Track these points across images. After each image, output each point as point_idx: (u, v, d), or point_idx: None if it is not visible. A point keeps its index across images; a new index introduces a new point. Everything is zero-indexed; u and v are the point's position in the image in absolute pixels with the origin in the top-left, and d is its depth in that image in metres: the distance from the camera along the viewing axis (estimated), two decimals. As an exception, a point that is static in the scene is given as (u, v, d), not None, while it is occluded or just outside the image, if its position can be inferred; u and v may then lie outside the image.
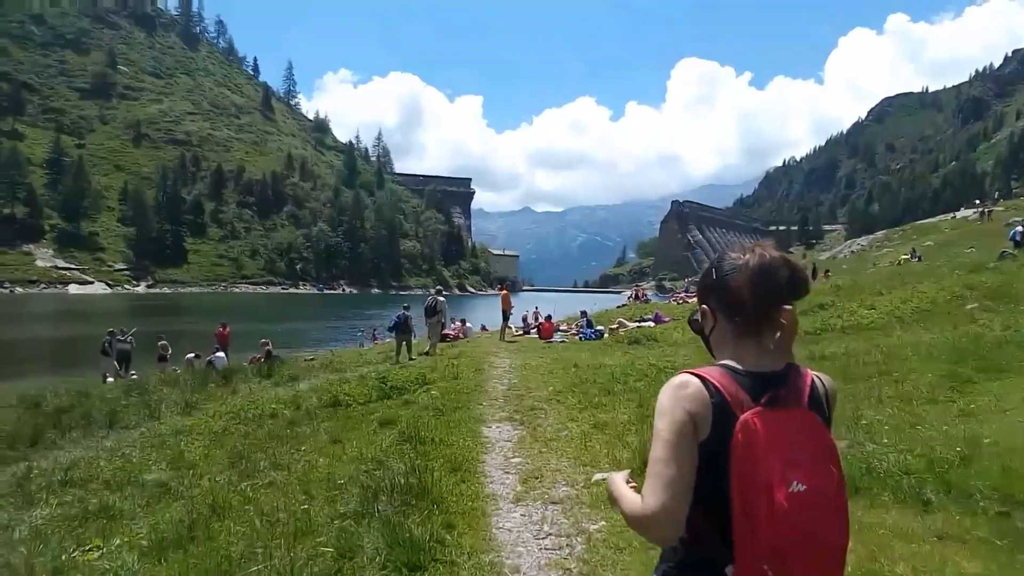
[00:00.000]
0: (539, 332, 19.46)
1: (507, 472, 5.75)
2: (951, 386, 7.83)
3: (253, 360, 18.61)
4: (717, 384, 1.38)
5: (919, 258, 44.81)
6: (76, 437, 9.74)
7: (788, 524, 1.27)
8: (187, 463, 7.44)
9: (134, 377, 18.98)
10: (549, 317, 20.40)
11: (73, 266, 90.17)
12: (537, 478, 5.49)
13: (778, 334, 1.43)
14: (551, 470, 5.68)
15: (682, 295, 34.34)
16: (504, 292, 19.72)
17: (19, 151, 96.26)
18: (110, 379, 18.42)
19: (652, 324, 19.73)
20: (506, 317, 19.42)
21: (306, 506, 5.00)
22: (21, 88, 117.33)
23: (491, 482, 5.49)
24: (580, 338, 17.95)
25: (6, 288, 77.61)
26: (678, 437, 1.35)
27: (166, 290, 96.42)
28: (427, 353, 16.17)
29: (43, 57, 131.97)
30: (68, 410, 11.32)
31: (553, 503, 4.89)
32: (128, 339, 19.76)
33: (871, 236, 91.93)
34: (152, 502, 6.34)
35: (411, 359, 15.70)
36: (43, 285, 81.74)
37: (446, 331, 21.61)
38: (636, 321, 20.60)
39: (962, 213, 78.94)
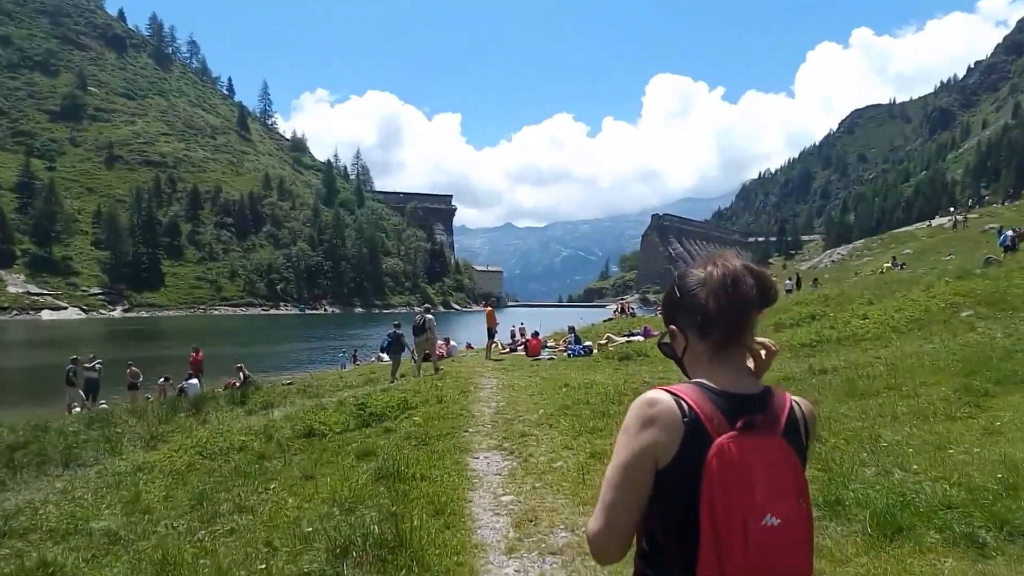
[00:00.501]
0: (526, 349, 18.87)
1: (497, 514, 5.13)
2: (967, 400, 7.35)
3: (228, 386, 17.79)
4: (691, 403, 1.31)
5: (901, 266, 44.91)
6: (27, 478, 8.94)
7: (759, 557, 1.22)
8: (143, 507, 6.73)
9: (104, 406, 18.10)
10: (536, 334, 19.82)
11: (46, 291, 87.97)
12: (532, 521, 4.88)
13: (757, 355, 1.43)
14: (547, 510, 5.07)
15: (668, 308, 34.21)
16: (489, 309, 19.09)
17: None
18: (77, 409, 17.49)
19: (641, 338, 19.21)
20: (491, 334, 18.80)
21: (264, 565, 4.33)
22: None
23: (479, 527, 4.87)
24: (568, 355, 17.37)
25: (-24, 315, 75.65)
26: (633, 460, 1.31)
27: (143, 314, 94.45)
28: (415, 375, 15.59)
29: (11, 80, 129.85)
30: (22, 447, 10.48)
31: (552, 553, 4.29)
32: (95, 366, 18.83)
33: (850, 245, 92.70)
34: (99, 555, 5.65)
35: (392, 381, 15.09)
36: (15, 312, 79.59)
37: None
38: (624, 335, 20.07)
39: (937, 221, 79.91)
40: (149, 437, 10.77)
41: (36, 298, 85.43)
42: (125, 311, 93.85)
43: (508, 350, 20.63)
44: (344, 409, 10.16)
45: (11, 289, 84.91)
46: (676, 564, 1.31)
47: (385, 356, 29.75)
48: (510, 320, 28.06)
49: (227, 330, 71.10)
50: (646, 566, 1.38)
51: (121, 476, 8.26)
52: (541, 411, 9.11)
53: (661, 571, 1.35)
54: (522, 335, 22.24)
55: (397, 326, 16.74)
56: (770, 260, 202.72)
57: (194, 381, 18.22)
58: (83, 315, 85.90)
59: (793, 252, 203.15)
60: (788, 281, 35.06)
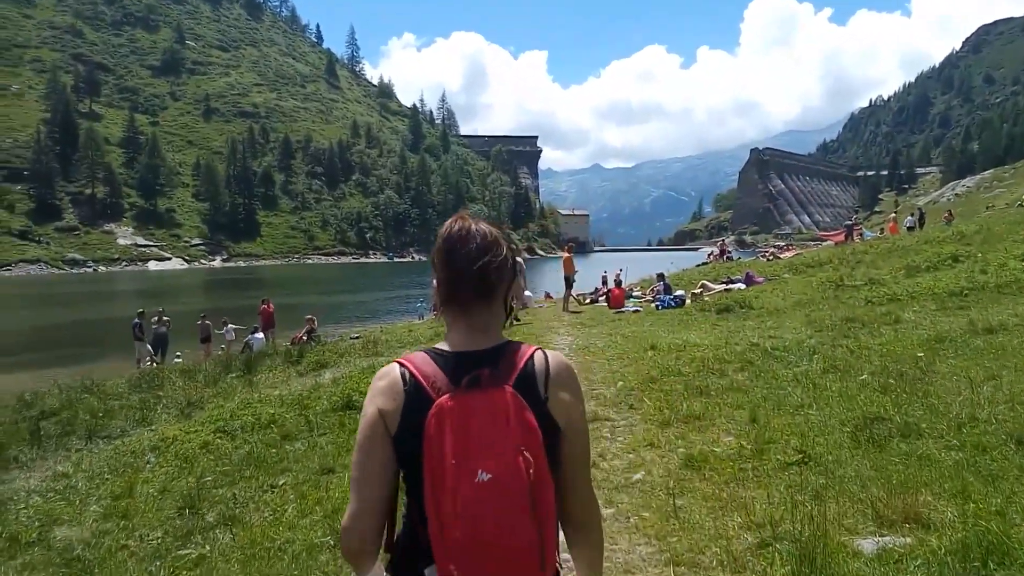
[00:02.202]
0: (608, 300, 16.97)
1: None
2: None
3: (294, 340, 16.96)
4: (413, 369, 1.29)
5: (1045, 198, 39.57)
6: (45, 452, 8.05)
7: (466, 515, 1.17)
8: (123, 509, 5.49)
9: (178, 360, 17.77)
10: (619, 282, 17.84)
11: (151, 243, 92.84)
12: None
13: (495, 309, 1.37)
14: (620, 570, 3.33)
15: (772, 250, 30.88)
16: (567, 255, 17.22)
17: (95, 131, 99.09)
18: (148, 364, 17.18)
19: (743, 286, 16.92)
20: (569, 284, 16.99)
21: None
22: (96, 69, 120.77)
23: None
24: (657, 306, 15.36)
25: (90, 267, 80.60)
26: (367, 437, 1.29)
27: (241, 263, 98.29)
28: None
29: (115, 37, 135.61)
30: (56, 413, 9.74)
31: None
32: (164, 320, 18.44)
33: (976, 177, 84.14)
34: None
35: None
36: (124, 263, 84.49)
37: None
38: (722, 283, 17.79)
39: None
40: (186, 404, 9.77)
41: (143, 250, 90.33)
42: (224, 261, 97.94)
43: (589, 301, 18.80)
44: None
45: (120, 241, 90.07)
46: (421, 540, 1.26)
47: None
48: (596, 267, 25.98)
49: (318, 279, 72.60)
50: (399, 544, 1.34)
51: (132, 456, 7.18)
52: (620, 383, 7.31)
53: (411, 547, 1.30)
54: (604, 284, 20.33)
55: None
56: (880, 196, 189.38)
57: (259, 335, 17.50)
58: (186, 265, 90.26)
59: (906, 187, 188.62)
60: (909, 218, 31.12)
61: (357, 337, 18.16)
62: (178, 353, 18.88)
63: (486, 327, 1.35)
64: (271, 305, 19.53)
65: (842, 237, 33.89)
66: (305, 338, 16.75)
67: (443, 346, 1.35)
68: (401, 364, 1.32)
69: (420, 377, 1.28)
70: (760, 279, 17.84)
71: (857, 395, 5.68)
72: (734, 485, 4.03)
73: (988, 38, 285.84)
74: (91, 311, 36.76)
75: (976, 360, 6.87)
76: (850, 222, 36.64)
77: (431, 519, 1.20)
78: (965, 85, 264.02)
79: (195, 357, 17.51)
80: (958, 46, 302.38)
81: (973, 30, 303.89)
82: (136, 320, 17.73)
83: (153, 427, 8.78)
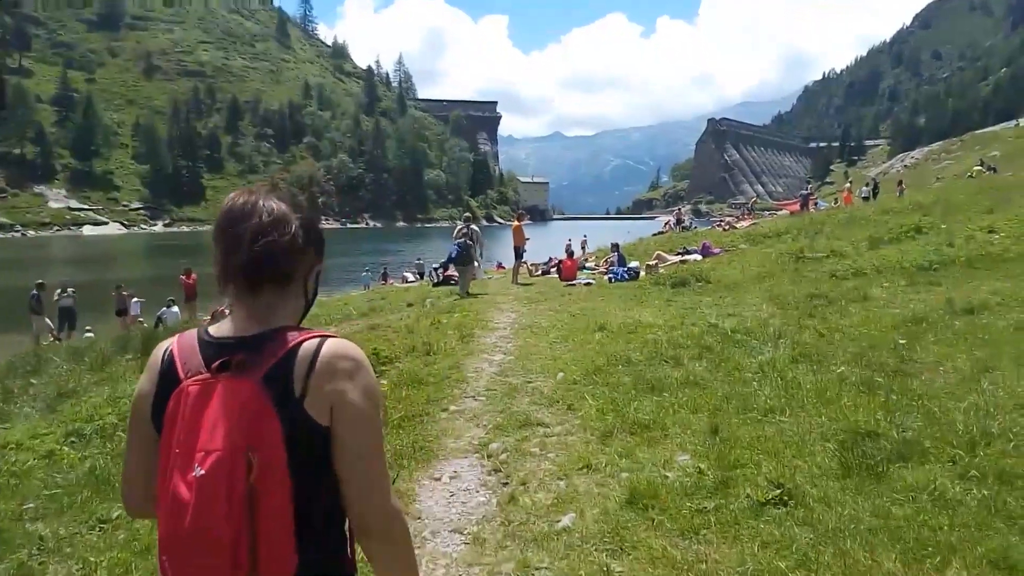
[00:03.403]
0: (559, 271, 15.92)
1: None
2: None
3: (214, 313, 15.47)
4: (174, 349, 1.24)
5: (994, 169, 39.97)
6: None
7: (177, 509, 1.10)
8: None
9: (90, 335, 16.14)
10: (571, 253, 16.78)
11: (87, 207, 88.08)
12: None
13: (285, 296, 1.26)
14: None
15: (728, 220, 30.29)
16: (516, 224, 16.05)
17: (25, 88, 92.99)
18: (47, 342, 15.51)
19: (699, 257, 16.04)
20: (519, 254, 15.86)
21: None
22: (26, 22, 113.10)
23: None
24: (609, 279, 14.35)
25: (18, 231, 76.03)
26: (132, 409, 1.28)
27: (184, 228, 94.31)
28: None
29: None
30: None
31: None
32: (69, 292, 16.69)
33: (925, 148, 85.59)
34: None
35: (464, 295, 13.55)
36: (56, 228, 79.99)
37: (449, 272, 18.24)
38: (678, 254, 16.90)
39: None
40: (56, 395, 8.37)
41: (77, 213, 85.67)
42: (166, 226, 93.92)
43: (540, 272, 17.74)
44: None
45: (52, 204, 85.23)
46: None
47: (410, 276, 27.42)
48: (556, 235, 24.83)
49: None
50: None
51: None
52: (560, 375, 6.25)
53: None
54: (569, 254, 19.10)
55: (467, 235, 13.98)
56: (831, 167, 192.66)
57: (174, 309, 15.96)
58: (124, 230, 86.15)
59: (856, 158, 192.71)
60: (864, 188, 30.71)
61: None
62: (88, 328, 17.22)
63: (268, 314, 1.23)
64: (193, 276, 17.85)
65: (797, 207, 33.46)
66: (228, 312, 15.29)
67: (216, 329, 1.25)
68: (170, 343, 1.27)
69: (177, 358, 1.23)
70: (717, 250, 17.00)
71: (837, 396, 4.73)
72: (692, 538, 2.98)
73: (938, 13, 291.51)
74: (6, 279, 34.22)
75: (960, 346, 6.03)
76: (805, 192, 36.30)
77: (159, 505, 1.16)
78: (914, 60, 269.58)
79: (111, 331, 15.94)
80: (908, 21, 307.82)
81: (923, 6, 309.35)
82: (34, 292, 15.93)
83: (7, 426, 7.40)
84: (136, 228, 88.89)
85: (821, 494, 3.24)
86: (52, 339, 15.99)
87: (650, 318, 8.78)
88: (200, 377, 1.17)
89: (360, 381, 1.21)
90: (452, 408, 5.62)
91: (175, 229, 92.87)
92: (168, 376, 1.21)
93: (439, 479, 4.15)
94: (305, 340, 1.20)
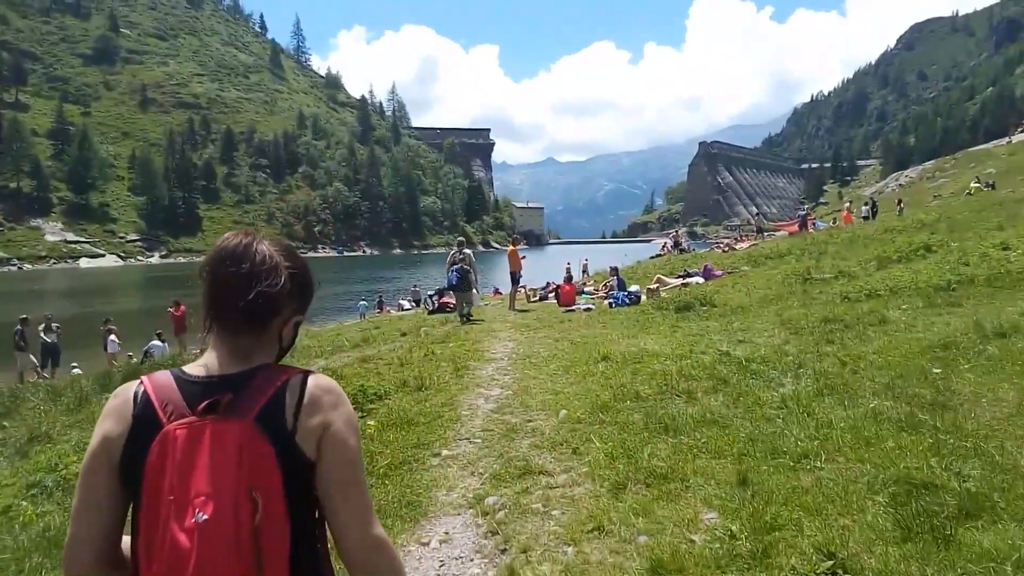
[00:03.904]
0: (557, 297, 15.43)
1: None
2: None
3: (203, 349, 14.91)
4: (149, 389, 1.19)
5: (992, 185, 39.87)
6: None
7: (179, 559, 1.06)
8: None
9: (76, 371, 15.62)
10: (569, 278, 16.30)
11: (83, 239, 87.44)
12: None
13: (264, 340, 1.25)
14: None
15: (726, 241, 29.87)
16: (511, 248, 15.57)
17: (21, 122, 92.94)
18: (31, 379, 14.93)
19: (701, 279, 15.59)
20: (515, 279, 15.38)
21: None
22: (22, 57, 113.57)
23: None
24: (610, 304, 13.86)
25: (15, 265, 75.37)
26: (88, 458, 1.19)
27: (181, 259, 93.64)
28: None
29: (44, 24, 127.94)
30: None
31: None
32: (52, 327, 16.13)
33: (919, 167, 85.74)
34: None
35: (464, 321, 13.33)
36: (53, 260, 79.33)
37: (445, 300, 17.75)
38: (679, 276, 16.44)
39: (1018, 137, 73.85)
40: (28, 438, 7.81)
41: (74, 246, 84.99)
42: (163, 257, 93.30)
43: (538, 298, 17.25)
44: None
45: (49, 237, 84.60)
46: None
47: (406, 304, 26.91)
48: (552, 260, 24.43)
49: (263, 274, 69.45)
50: None
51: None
52: (563, 412, 5.72)
53: None
54: (583, 273, 18.72)
55: (462, 260, 13.68)
56: (825, 187, 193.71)
57: (161, 343, 15.39)
58: (121, 262, 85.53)
59: (849, 178, 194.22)
60: (864, 207, 30.39)
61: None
62: (74, 364, 16.69)
63: (248, 355, 1.23)
64: (182, 308, 17.31)
65: (796, 228, 33.18)
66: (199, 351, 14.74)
67: (194, 368, 1.23)
68: (141, 383, 1.21)
69: (154, 399, 1.17)
70: (719, 272, 16.56)
71: (877, 436, 4.20)
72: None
73: (920, 36, 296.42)
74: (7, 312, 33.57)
75: (1000, 375, 5.54)
76: (803, 212, 36.03)
77: (142, 558, 1.12)
78: (900, 81, 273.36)
79: (100, 366, 15.39)
80: (892, 44, 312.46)
81: (906, 28, 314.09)
82: (18, 327, 15.37)
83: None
84: (133, 260, 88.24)
85: (881, 566, 2.71)
86: (36, 376, 15.43)
87: (656, 346, 8.28)
88: (186, 420, 1.13)
89: (342, 413, 1.22)
90: (444, 453, 5.08)
91: (172, 260, 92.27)
92: (144, 419, 1.16)
93: (427, 543, 3.61)
94: (291, 377, 1.21)
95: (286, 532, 1.13)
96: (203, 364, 1.23)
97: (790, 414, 4.99)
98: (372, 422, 6.00)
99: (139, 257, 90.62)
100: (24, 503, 5.35)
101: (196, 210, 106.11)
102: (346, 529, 1.19)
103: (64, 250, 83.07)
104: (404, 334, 13.32)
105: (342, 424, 1.21)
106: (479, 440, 5.32)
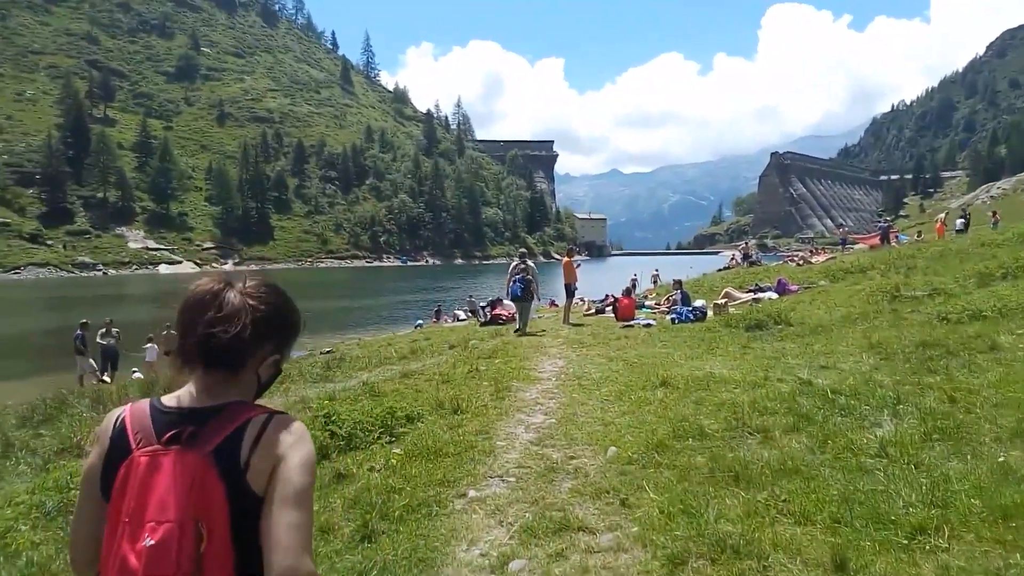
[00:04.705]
0: (615, 310, 14.54)
1: None
2: None
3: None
4: (126, 417, 1.28)
5: (1099, 197, 36.61)
6: None
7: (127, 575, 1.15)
8: None
9: (137, 375, 15.76)
10: (629, 291, 15.37)
11: (163, 247, 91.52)
12: None
13: (240, 378, 1.31)
14: None
15: (801, 254, 28.14)
16: (567, 259, 14.79)
17: (108, 136, 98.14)
18: (94, 382, 15.08)
19: (774, 295, 14.42)
20: (570, 292, 14.58)
21: None
22: (111, 75, 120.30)
23: None
24: (673, 320, 12.88)
25: (99, 270, 79.35)
26: (84, 472, 1.31)
27: (253, 267, 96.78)
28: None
29: (130, 44, 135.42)
30: None
31: None
32: (112, 332, 16.27)
33: (1013, 179, 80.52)
34: None
35: (522, 333, 12.93)
36: (135, 266, 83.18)
37: (498, 311, 17.11)
38: (750, 291, 15.30)
39: None
40: (57, 449, 7.53)
41: (154, 253, 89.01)
42: (236, 264, 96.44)
43: (594, 311, 16.39)
44: (306, 421, 6.39)
45: (132, 245, 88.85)
46: None
47: (461, 315, 26.42)
48: (614, 272, 23.49)
49: (330, 282, 70.91)
50: None
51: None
52: (612, 449, 4.91)
53: None
54: (634, 287, 17.78)
55: (524, 270, 13.45)
56: (905, 199, 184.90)
57: (152, 346, 15.31)
58: (197, 269, 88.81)
59: (931, 190, 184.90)
60: (960, 220, 28.11)
61: (328, 352, 15.97)
62: (134, 369, 16.83)
63: (222, 390, 1.29)
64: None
65: (877, 240, 31.12)
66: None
67: (169, 399, 1.31)
68: (123, 409, 1.31)
69: (128, 426, 1.26)
70: (794, 287, 15.32)
71: (1015, 503, 3.25)
72: None
73: (1013, 42, 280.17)
74: (79, 315, 34.81)
75: None
76: (885, 224, 33.82)
77: (101, 570, 1.20)
78: (990, 89, 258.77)
79: (163, 372, 15.45)
80: (982, 51, 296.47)
81: (998, 34, 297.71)
82: (78, 332, 15.54)
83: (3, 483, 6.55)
84: (208, 267, 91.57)
85: None
86: (96, 380, 15.56)
87: (724, 370, 7.36)
88: (150, 448, 1.21)
89: (298, 452, 1.24)
90: (471, 494, 4.35)
91: (244, 267, 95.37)
92: (119, 445, 1.24)
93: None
94: (254, 416, 1.26)
95: (229, 564, 1.17)
96: (177, 396, 1.29)
97: (893, 465, 4.05)
98: (398, 451, 5.35)
99: (214, 264, 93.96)
100: (24, 527, 4.92)
101: (268, 220, 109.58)
102: (274, 562, 1.18)
103: (145, 256, 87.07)
104: (452, 347, 12.74)
105: (293, 462, 1.23)
106: (512, 479, 4.58)
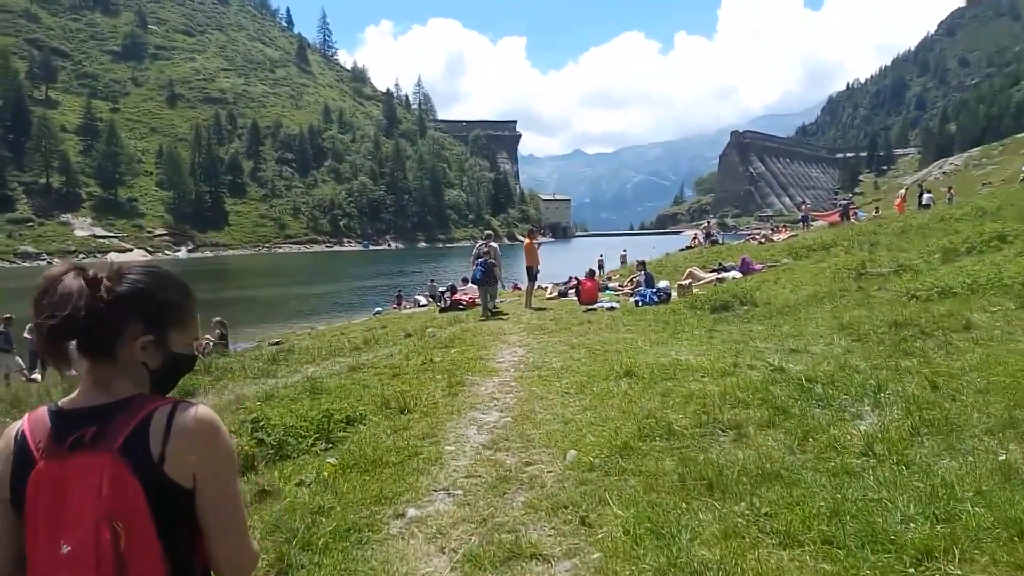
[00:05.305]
0: (578, 294, 14.07)
1: None
2: None
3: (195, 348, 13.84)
4: (25, 428, 1.24)
5: (1048, 171, 37.51)
6: None
7: None
8: None
9: (73, 374, 14.69)
10: (592, 273, 14.92)
11: (112, 234, 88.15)
12: None
13: (118, 366, 1.25)
14: None
15: (763, 233, 28.16)
16: (528, 241, 14.25)
17: (50, 119, 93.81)
18: (16, 382, 14.01)
19: (738, 275, 14.11)
20: (532, 275, 14.08)
21: None
22: (52, 54, 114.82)
23: None
24: (636, 302, 12.46)
25: (44, 259, 76.10)
26: None
27: (208, 254, 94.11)
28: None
29: (73, 21, 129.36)
30: None
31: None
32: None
33: (964, 155, 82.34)
34: None
35: (486, 317, 12.88)
36: (82, 255, 79.84)
37: (458, 297, 16.53)
38: (713, 270, 14.98)
39: None
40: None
41: (102, 241, 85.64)
42: (190, 251, 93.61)
43: (557, 294, 15.91)
44: (233, 426, 5.74)
45: (78, 232, 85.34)
46: None
47: (422, 300, 25.73)
48: (578, 252, 23.03)
49: (288, 269, 69.33)
50: None
51: None
52: (573, 453, 4.40)
53: None
54: (601, 269, 17.33)
55: (487, 253, 13.17)
56: (860, 177, 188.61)
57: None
58: (149, 257, 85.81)
59: (885, 167, 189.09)
60: (927, 195, 28.19)
61: (277, 343, 15.18)
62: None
63: (111, 384, 1.25)
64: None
65: (837, 217, 31.26)
66: (210, 346, 13.71)
67: (66, 401, 1.27)
68: (23, 421, 1.28)
69: (28, 437, 1.23)
70: (758, 266, 15.06)
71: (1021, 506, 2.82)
72: None
73: (963, 21, 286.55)
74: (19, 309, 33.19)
75: None
76: (846, 201, 34.04)
77: None
78: (940, 68, 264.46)
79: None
80: (933, 29, 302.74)
81: (947, 13, 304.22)
82: (1, 328, 14.42)
83: None
84: (160, 254, 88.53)
85: None
86: (24, 379, 14.51)
87: (691, 357, 6.92)
88: (54, 457, 1.18)
89: (217, 445, 1.24)
90: (411, 512, 3.80)
91: (199, 255, 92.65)
92: (22, 456, 1.21)
93: None
94: (157, 408, 1.23)
95: (157, 556, 1.16)
96: (72, 397, 1.26)
97: (881, 465, 3.63)
98: (332, 460, 4.75)
99: (167, 251, 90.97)
100: None
101: (222, 204, 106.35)
102: (219, 550, 1.24)
103: (93, 245, 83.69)
104: (408, 335, 12.13)
105: (218, 456, 1.24)
106: (460, 492, 4.04)
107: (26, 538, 1.18)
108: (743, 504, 3.33)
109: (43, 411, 1.26)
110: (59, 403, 1.26)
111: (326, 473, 4.49)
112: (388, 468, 4.52)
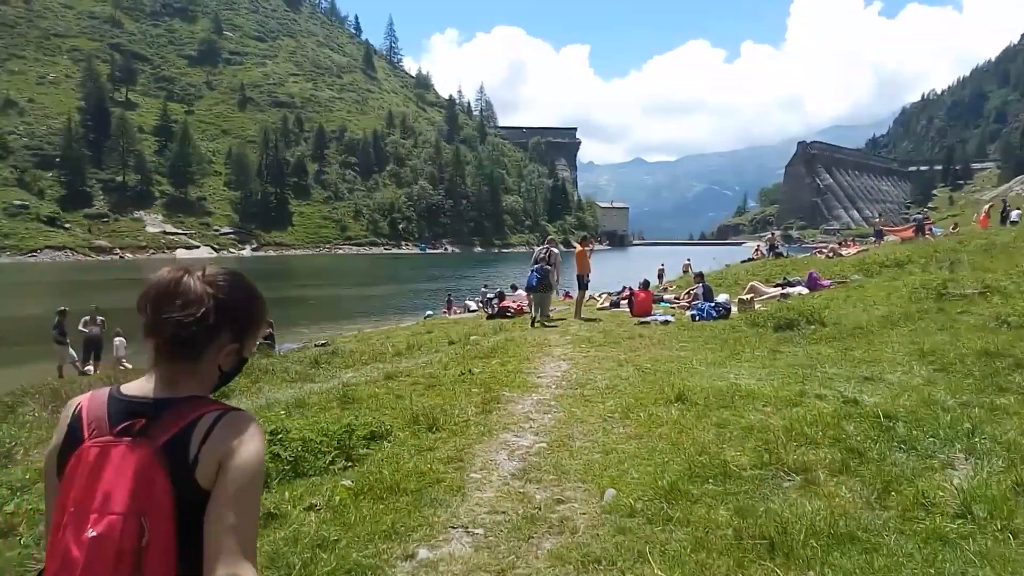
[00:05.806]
0: (631, 304, 13.44)
1: None
2: None
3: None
4: (83, 407, 1.27)
5: None
6: None
7: (68, 568, 1.14)
8: None
9: (129, 367, 14.97)
10: (647, 283, 14.22)
11: (180, 231, 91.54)
12: None
13: (198, 369, 1.29)
14: None
15: (832, 246, 26.73)
16: (580, 249, 13.71)
17: (128, 120, 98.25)
18: (71, 374, 14.31)
19: (804, 291, 13.23)
20: (582, 284, 13.52)
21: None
22: (133, 59, 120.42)
23: None
24: (693, 317, 11.76)
25: (116, 254, 79.52)
26: (45, 469, 1.31)
27: (271, 253, 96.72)
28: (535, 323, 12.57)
29: (153, 27, 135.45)
30: None
31: None
32: (98, 321, 15.47)
33: (1051, 170, 77.31)
34: None
35: (541, 324, 12.35)
36: (152, 251, 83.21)
37: (505, 304, 16.12)
38: (777, 285, 14.10)
39: None
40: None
41: (172, 238, 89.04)
42: (254, 250, 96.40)
43: (609, 305, 15.30)
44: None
45: (149, 229, 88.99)
46: None
47: (472, 305, 25.44)
48: (636, 261, 22.29)
49: (347, 270, 70.44)
50: None
51: None
52: (611, 492, 3.87)
53: None
54: (660, 280, 16.57)
55: (546, 258, 12.74)
56: (934, 191, 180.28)
57: (118, 340, 14.54)
58: (215, 254, 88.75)
59: (961, 182, 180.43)
60: (1016, 211, 26.34)
61: (324, 344, 15.09)
62: (127, 362, 16.06)
63: (179, 381, 1.28)
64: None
65: (910, 233, 29.55)
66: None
67: (129, 388, 1.29)
68: (82, 398, 1.31)
69: (84, 415, 1.25)
70: (826, 282, 14.10)
71: None
72: None
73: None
74: (90, 300, 34.45)
75: None
76: (921, 215, 32.20)
77: (47, 562, 1.19)
78: (1022, 79, 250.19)
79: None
80: (1016, 40, 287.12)
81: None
82: (56, 319, 14.73)
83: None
84: (225, 252, 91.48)
85: None
86: (78, 371, 14.81)
87: (752, 381, 6.28)
88: (101, 440, 1.20)
89: (244, 451, 1.22)
90: (422, 554, 3.34)
91: (262, 253, 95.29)
92: (73, 434, 1.24)
93: None
94: (207, 412, 1.24)
95: (171, 559, 1.16)
96: (138, 385, 1.28)
97: (982, 534, 2.99)
98: (347, 483, 4.35)
99: (231, 249, 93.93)
100: None
101: (287, 205, 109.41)
102: (213, 559, 1.17)
103: (163, 241, 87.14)
104: (452, 342, 11.76)
105: (237, 461, 1.21)
106: (480, 531, 3.57)
107: (55, 511, 1.19)
108: (812, 574, 2.76)
109: (104, 392, 1.28)
110: (121, 388, 1.28)
111: (338, 498, 4.09)
112: (405, 496, 4.08)
